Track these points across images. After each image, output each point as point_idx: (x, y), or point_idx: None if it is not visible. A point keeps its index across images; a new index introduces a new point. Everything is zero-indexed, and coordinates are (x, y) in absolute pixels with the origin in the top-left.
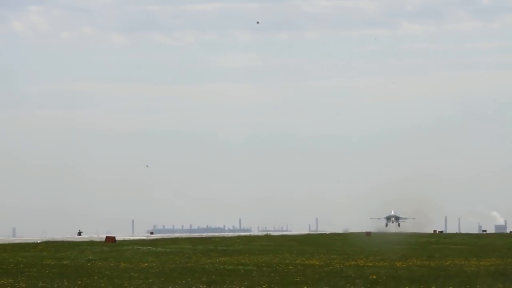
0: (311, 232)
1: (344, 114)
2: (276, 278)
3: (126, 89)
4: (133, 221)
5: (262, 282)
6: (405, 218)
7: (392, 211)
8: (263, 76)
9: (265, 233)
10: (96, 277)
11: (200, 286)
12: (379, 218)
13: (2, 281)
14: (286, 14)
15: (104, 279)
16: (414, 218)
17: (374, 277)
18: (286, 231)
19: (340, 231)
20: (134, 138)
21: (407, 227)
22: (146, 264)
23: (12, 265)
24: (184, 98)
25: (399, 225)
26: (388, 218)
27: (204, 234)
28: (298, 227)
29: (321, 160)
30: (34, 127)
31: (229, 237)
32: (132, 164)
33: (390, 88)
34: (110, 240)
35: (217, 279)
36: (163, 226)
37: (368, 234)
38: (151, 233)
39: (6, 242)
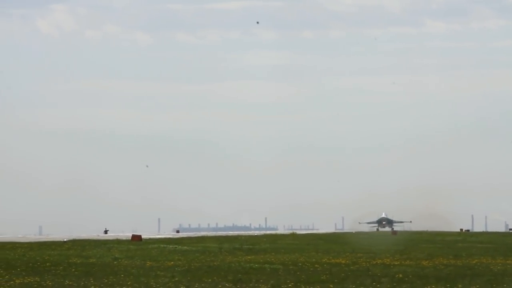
0: (337, 231)
1: (368, 112)
2: (302, 276)
3: (150, 88)
4: (159, 219)
5: (288, 281)
6: (401, 222)
7: (383, 214)
8: (287, 75)
9: (291, 231)
10: (122, 275)
11: (226, 284)
12: (368, 223)
13: (29, 279)
14: (310, 12)
15: (130, 278)
16: (411, 221)
17: (400, 276)
18: (312, 229)
19: (366, 229)
20: (158, 137)
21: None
22: (172, 262)
23: (38, 263)
24: (208, 96)
25: (393, 229)
26: (380, 222)
27: (230, 232)
28: (324, 226)
29: (346, 158)
30: (57, 125)
31: (255, 235)
32: (158, 162)
33: (414, 87)
34: (136, 238)
35: (243, 277)
36: (189, 224)
37: (394, 233)
38: (177, 231)
39: (33, 240)
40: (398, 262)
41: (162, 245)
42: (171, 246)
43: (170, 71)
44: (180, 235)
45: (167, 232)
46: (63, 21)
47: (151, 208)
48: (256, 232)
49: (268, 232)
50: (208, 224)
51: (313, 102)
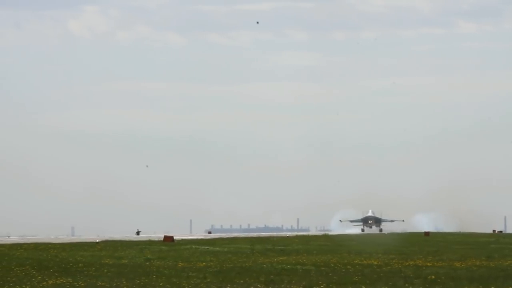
0: (371, 232)
1: (398, 112)
2: (334, 278)
3: (181, 89)
4: (191, 220)
5: (320, 282)
6: (391, 220)
7: (370, 211)
8: (317, 76)
9: (323, 232)
10: (154, 276)
11: (258, 285)
12: (351, 221)
13: (61, 280)
14: (340, 13)
15: (162, 278)
16: (403, 220)
17: (433, 277)
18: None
19: (398, 231)
20: (189, 138)
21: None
22: (204, 263)
23: (71, 264)
24: (238, 98)
25: (381, 230)
26: (365, 221)
27: (262, 233)
28: (357, 227)
29: (377, 159)
30: (86, 127)
31: (287, 236)
32: (190, 163)
33: (445, 88)
34: (168, 239)
35: (275, 278)
36: (221, 225)
37: (426, 234)
38: (209, 232)
39: (65, 241)
40: (431, 264)
41: (194, 246)
42: (203, 247)
43: (202, 72)
44: (212, 236)
45: (199, 233)
46: (95, 22)
47: (183, 209)
48: (288, 233)
49: (300, 233)
50: (240, 225)
51: (343, 103)
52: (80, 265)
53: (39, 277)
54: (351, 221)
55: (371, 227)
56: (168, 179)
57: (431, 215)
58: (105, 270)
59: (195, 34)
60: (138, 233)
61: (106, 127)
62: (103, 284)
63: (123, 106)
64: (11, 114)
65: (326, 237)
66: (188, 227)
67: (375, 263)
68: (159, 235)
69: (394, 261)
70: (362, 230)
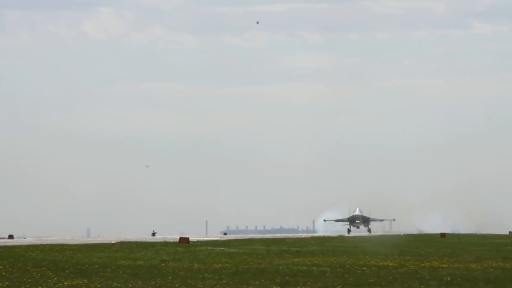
0: (385, 233)
1: (413, 113)
2: (350, 279)
3: (196, 90)
4: (206, 222)
5: (335, 283)
6: (380, 220)
7: (357, 210)
8: (332, 77)
9: (338, 234)
10: (170, 277)
11: (274, 287)
12: (337, 220)
13: (77, 281)
14: (355, 14)
15: (178, 280)
16: (394, 219)
17: (449, 278)
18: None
19: (414, 232)
20: (204, 139)
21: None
22: (219, 265)
23: (87, 265)
24: (252, 99)
25: (369, 230)
26: (352, 221)
27: (278, 235)
28: (372, 229)
29: (392, 160)
30: (100, 129)
31: (303, 238)
32: (205, 165)
33: (460, 89)
34: (184, 240)
35: (290, 280)
36: (237, 227)
37: (442, 235)
38: (225, 234)
39: (81, 242)
40: (447, 265)
41: (209, 248)
42: (218, 248)
43: (216, 73)
44: (228, 237)
45: (214, 235)
46: (110, 24)
47: (199, 210)
48: (304, 235)
49: (315, 234)
50: (256, 227)
51: (358, 104)
52: (95, 266)
53: (55, 278)
54: (337, 221)
55: (358, 227)
56: (183, 180)
57: (445, 216)
58: (121, 271)
59: (209, 36)
60: (153, 234)
61: (120, 129)
62: (118, 285)
63: (137, 107)
64: (27, 117)
65: (342, 239)
66: (204, 229)
67: (391, 264)
68: (174, 237)
69: (409, 262)
70: (349, 230)
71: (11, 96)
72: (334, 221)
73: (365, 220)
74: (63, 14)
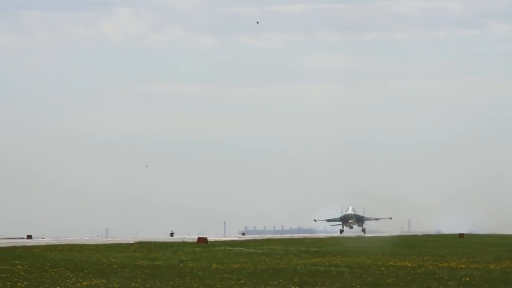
0: (404, 234)
1: (430, 114)
2: (368, 279)
3: (213, 91)
4: (224, 222)
5: (354, 284)
6: (375, 218)
7: (350, 208)
8: (351, 77)
9: (356, 234)
10: (188, 277)
11: (292, 287)
12: (328, 220)
13: (95, 281)
14: (373, 14)
15: (196, 280)
16: (391, 218)
17: (467, 279)
18: (378, 232)
19: (432, 232)
20: (221, 139)
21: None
22: (238, 265)
23: (105, 265)
24: (270, 99)
25: (364, 230)
26: (345, 220)
27: (296, 235)
28: (390, 229)
29: (410, 160)
30: (118, 130)
31: (321, 238)
32: (222, 165)
33: (479, 89)
34: (202, 241)
35: (309, 280)
36: (255, 227)
37: (461, 235)
38: (243, 234)
39: (100, 242)
40: (465, 265)
41: (227, 248)
42: (236, 248)
43: (233, 74)
44: (246, 237)
45: (232, 235)
46: (128, 24)
47: (217, 211)
48: (322, 235)
49: (334, 235)
50: (274, 227)
51: (377, 104)
52: (114, 266)
53: (74, 279)
54: (328, 220)
55: (351, 227)
56: (201, 181)
57: (463, 216)
58: (139, 272)
59: (226, 36)
60: (172, 234)
61: (138, 130)
62: (137, 285)
63: (154, 108)
64: (45, 120)
65: (360, 239)
66: (222, 229)
67: (409, 264)
68: (193, 237)
69: (428, 263)
70: (341, 231)
71: (30, 98)
72: (325, 221)
73: (359, 220)
74: (81, 15)
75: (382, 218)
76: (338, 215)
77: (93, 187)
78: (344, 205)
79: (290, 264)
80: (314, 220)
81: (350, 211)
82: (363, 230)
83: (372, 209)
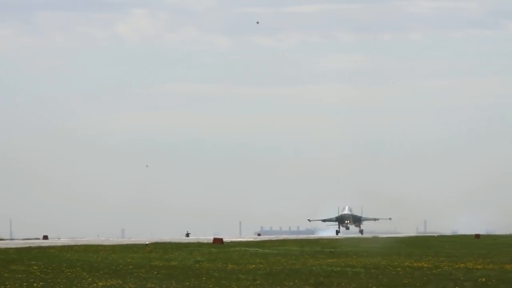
0: (419, 234)
1: (443, 114)
2: (384, 280)
3: (228, 91)
4: (240, 222)
5: (370, 284)
6: (374, 219)
7: (347, 208)
8: (366, 77)
9: (372, 235)
10: (204, 278)
11: None
12: (324, 220)
13: (111, 281)
14: (389, 14)
15: (212, 280)
16: (390, 218)
17: (483, 279)
18: (394, 233)
19: (448, 233)
20: (236, 140)
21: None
22: (253, 265)
23: (121, 266)
24: (286, 99)
25: (361, 231)
26: (341, 220)
27: (311, 236)
28: (406, 229)
29: (425, 160)
30: (136, 129)
31: (337, 238)
32: (239, 165)
33: (494, 88)
34: (218, 241)
35: (324, 281)
36: (270, 227)
37: (477, 236)
38: (258, 234)
39: (116, 243)
40: (481, 266)
41: (243, 248)
42: (252, 249)
43: (249, 74)
44: (262, 238)
45: (248, 235)
46: (144, 25)
47: (232, 211)
48: (338, 236)
49: (349, 235)
50: (289, 227)
51: (393, 104)
52: (130, 267)
53: (89, 279)
54: (324, 221)
55: (348, 228)
56: (217, 182)
57: (478, 216)
58: (155, 272)
59: (242, 37)
60: (187, 235)
61: (153, 131)
62: (152, 286)
63: (169, 109)
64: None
65: (376, 240)
66: (238, 229)
67: (425, 265)
68: (208, 237)
69: (444, 263)
70: (337, 232)
71: (46, 100)
72: (320, 221)
73: (356, 220)
74: (97, 15)
75: (381, 219)
76: (335, 214)
77: (108, 188)
78: (341, 204)
79: (306, 264)
80: (309, 220)
81: (346, 211)
82: (361, 231)
83: (385, 210)
